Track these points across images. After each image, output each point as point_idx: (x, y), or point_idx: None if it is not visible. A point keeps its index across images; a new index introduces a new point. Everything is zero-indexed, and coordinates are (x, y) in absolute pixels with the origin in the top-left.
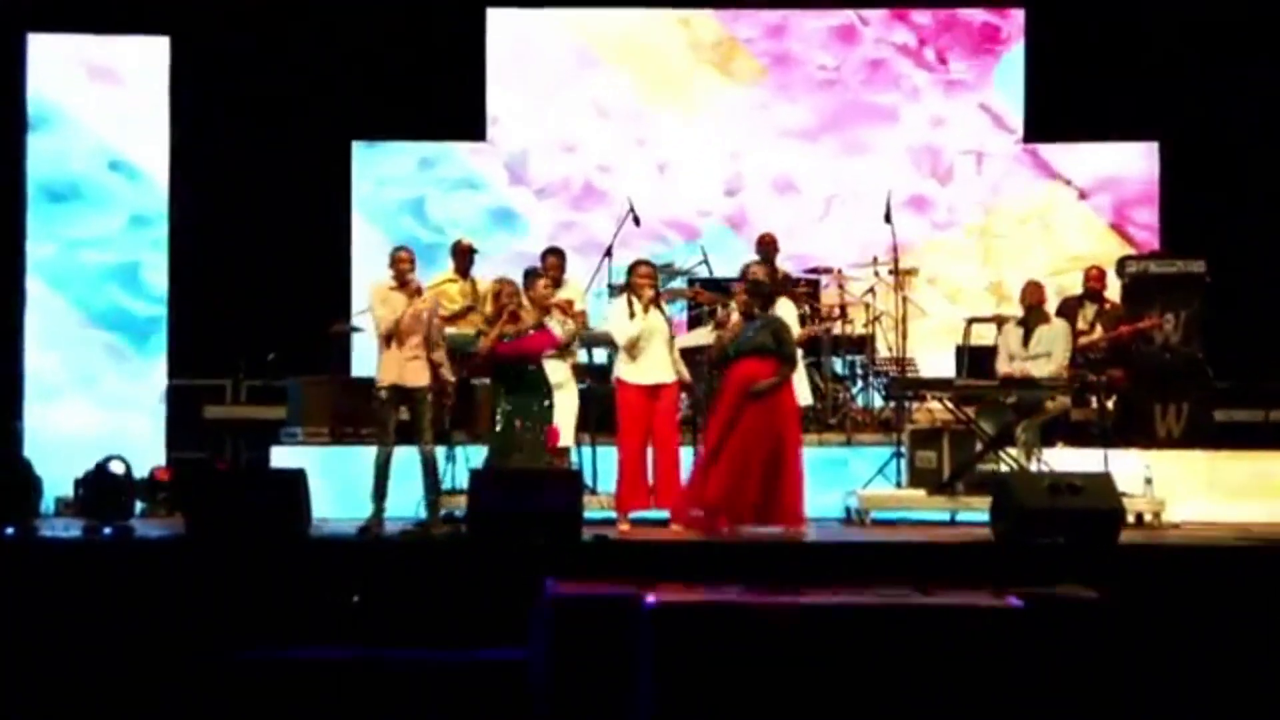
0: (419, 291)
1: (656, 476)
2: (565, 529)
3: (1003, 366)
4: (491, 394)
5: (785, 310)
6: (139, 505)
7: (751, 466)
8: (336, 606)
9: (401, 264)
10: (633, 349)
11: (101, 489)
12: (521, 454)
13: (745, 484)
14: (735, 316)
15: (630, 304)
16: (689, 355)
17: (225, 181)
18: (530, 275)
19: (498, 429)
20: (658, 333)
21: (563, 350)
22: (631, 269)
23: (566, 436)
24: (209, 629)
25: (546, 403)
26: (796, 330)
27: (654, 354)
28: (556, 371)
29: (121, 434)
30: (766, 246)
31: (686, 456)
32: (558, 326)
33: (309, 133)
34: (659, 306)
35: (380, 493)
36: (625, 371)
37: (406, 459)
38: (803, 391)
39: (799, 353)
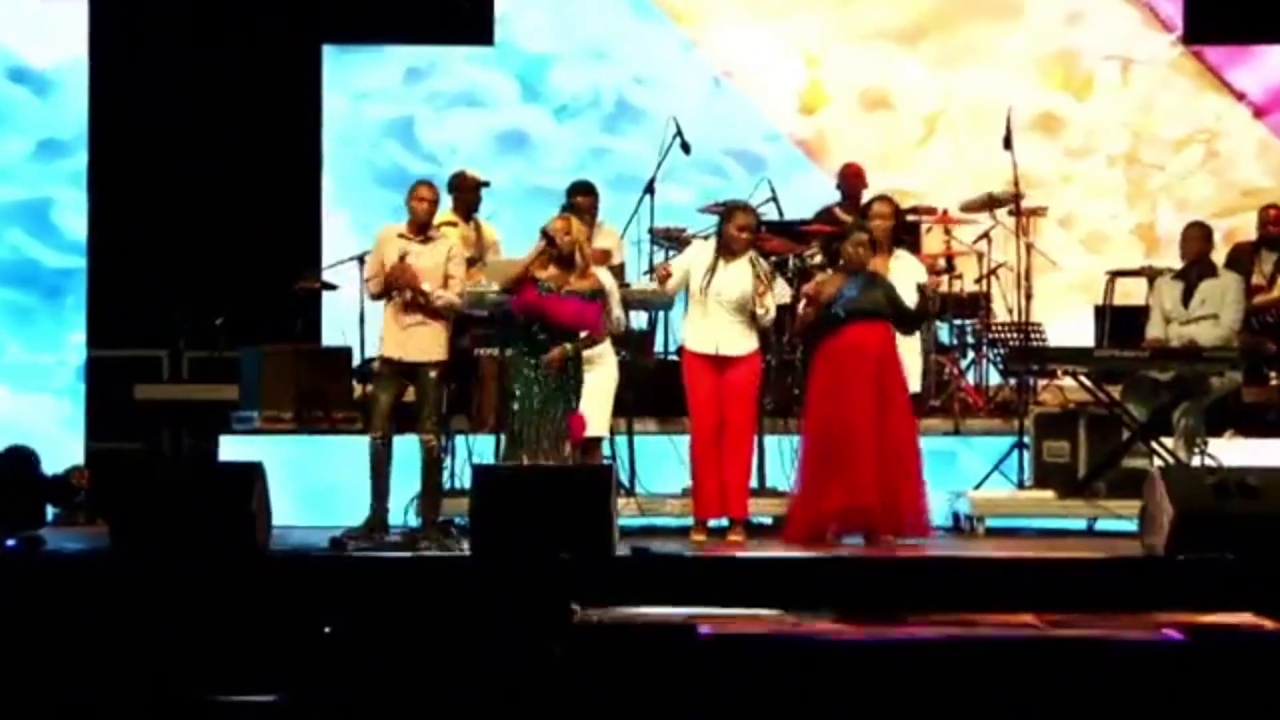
0: (430, 240)
1: (723, 473)
2: (594, 540)
3: (1156, 332)
4: (505, 360)
5: (907, 267)
6: (50, 510)
7: (871, 460)
8: (303, 639)
9: (420, 203)
10: (690, 301)
11: (2, 489)
12: (538, 445)
13: (867, 482)
14: (827, 272)
15: (716, 255)
16: None
17: (160, 98)
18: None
19: (516, 406)
20: (734, 292)
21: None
22: (728, 215)
23: (600, 424)
24: (139, 667)
25: (572, 380)
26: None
27: (721, 318)
28: None
29: (28, 419)
30: (851, 180)
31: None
32: (616, 308)
33: (267, 35)
34: (754, 264)
35: (376, 492)
36: (685, 334)
37: (397, 451)
38: (913, 374)
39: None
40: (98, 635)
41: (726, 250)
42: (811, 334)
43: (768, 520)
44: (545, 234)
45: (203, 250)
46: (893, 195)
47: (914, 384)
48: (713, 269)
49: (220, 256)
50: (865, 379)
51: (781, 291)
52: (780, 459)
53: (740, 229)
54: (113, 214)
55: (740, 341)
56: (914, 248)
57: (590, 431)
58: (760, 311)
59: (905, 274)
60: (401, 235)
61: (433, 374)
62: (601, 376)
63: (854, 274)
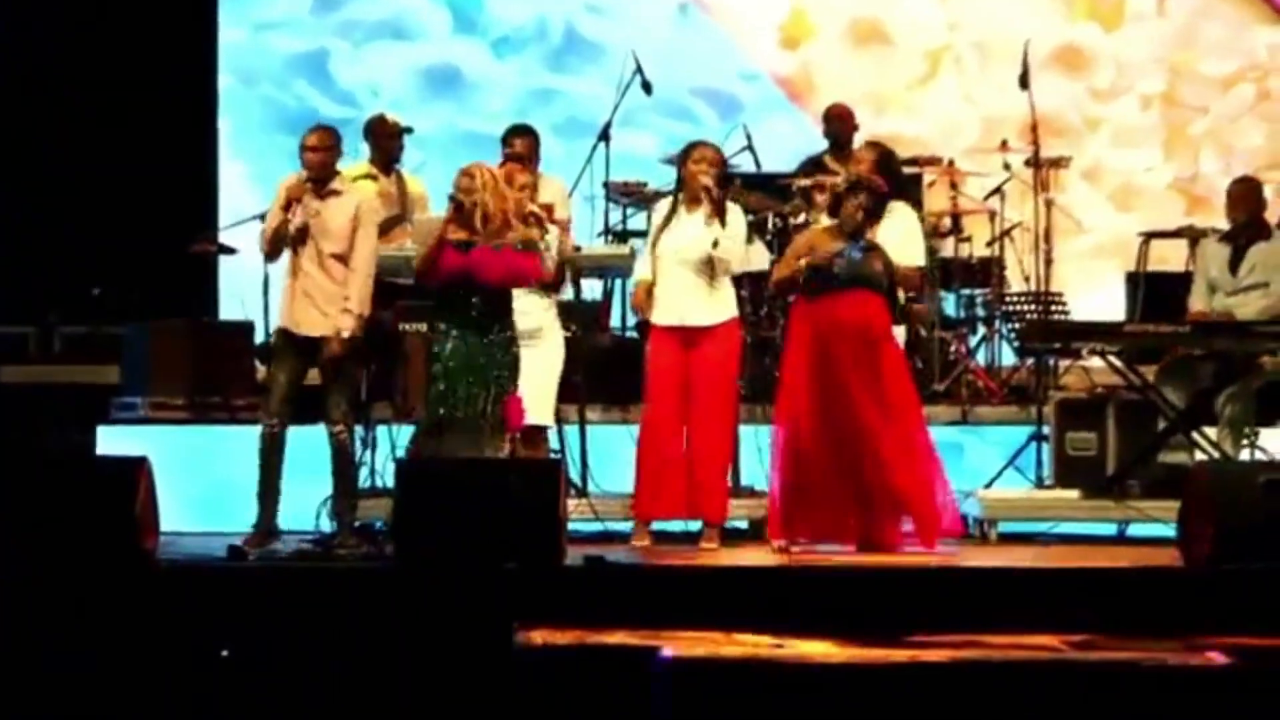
0: (293, 199)
1: (694, 468)
2: (539, 547)
3: (1198, 304)
4: (425, 338)
5: (903, 221)
6: None
7: (861, 458)
8: (196, 663)
9: (302, 152)
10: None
11: None
12: (463, 434)
13: (848, 485)
14: (822, 219)
15: (674, 209)
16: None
17: (26, 27)
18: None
19: (433, 388)
20: (697, 247)
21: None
22: (684, 155)
23: (543, 411)
24: (7, 700)
25: (507, 356)
26: (919, 253)
27: (684, 280)
28: (532, 314)
29: None
30: (837, 124)
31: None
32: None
33: None
34: (719, 210)
35: (268, 493)
36: (652, 309)
37: (307, 443)
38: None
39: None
40: None
41: (688, 196)
42: (789, 294)
43: (743, 524)
44: (451, 198)
45: (78, 209)
46: (888, 142)
47: None
48: (667, 222)
49: (99, 216)
50: (858, 360)
51: (759, 256)
52: (759, 454)
53: (698, 161)
54: None
55: (709, 308)
56: (915, 205)
57: (532, 419)
58: (715, 253)
59: (901, 232)
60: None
61: (337, 351)
62: (544, 355)
63: (853, 236)
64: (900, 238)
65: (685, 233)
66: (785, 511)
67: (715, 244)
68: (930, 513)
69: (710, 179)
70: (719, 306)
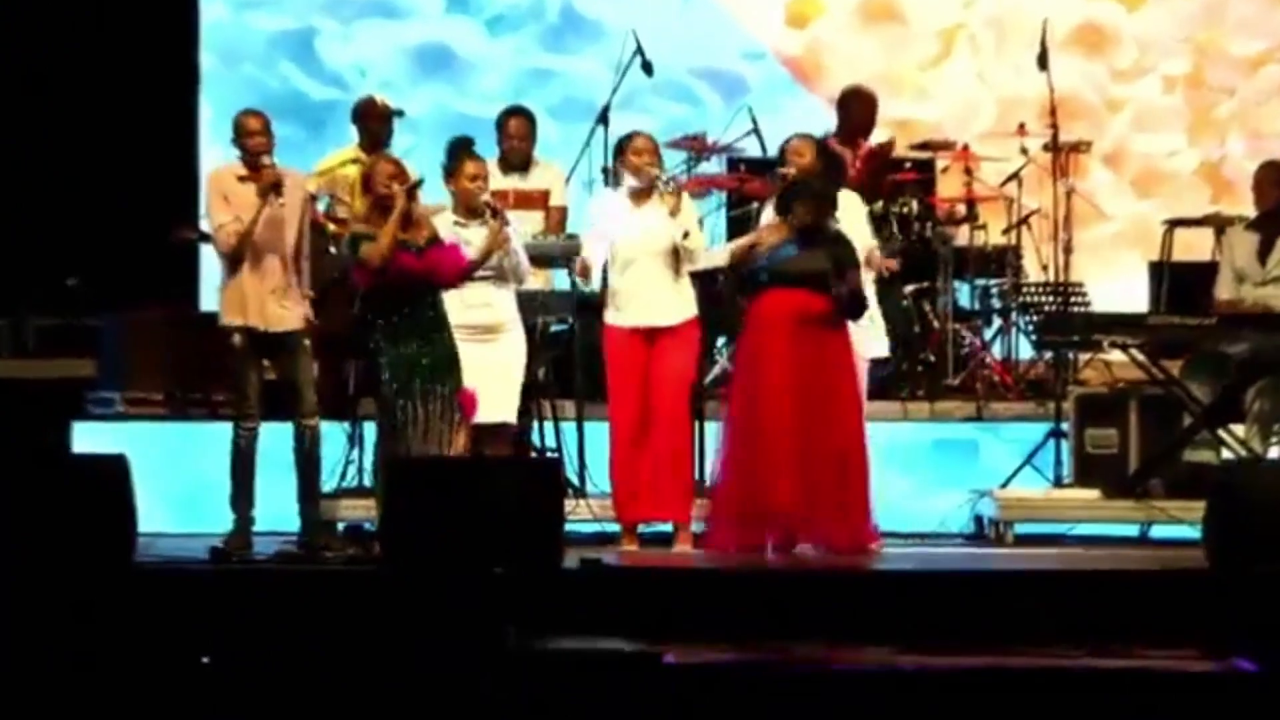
0: (276, 182)
1: (655, 469)
2: (537, 550)
3: (1225, 294)
4: (369, 341)
5: (848, 204)
6: None
7: (803, 455)
8: (178, 669)
9: (251, 137)
10: (599, 272)
11: None
12: (425, 433)
13: (790, 481)
14: (767, 214)
15: (612, 193)
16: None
17: (1, 10)
18: (459, 153)
19: (385, 392)
20: (654, 240)
21: (503, 270)
22: (622, 145)
23: (506, 407)
24: None
25: (447, 350)
26: (868, 233)
27: (645, 277)
28: (496, 307)
29: None
30: (860, 108)
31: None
32: (474, 238)
33: None
34: (657, 186)
35: (243, 493)
36: (608, 308)
37: (287, 440)
38: (877, 337)
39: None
40: None
41: (634, 190)
42: (736, 292)
43: None
44: (367, 182)
45: (52, 195)
46: (900, 125)
47: (879, 348)
48: (613, 219)
49: (74, 202)
50: (783, 356)
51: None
52: None
53: (639, 153)
54: None
55: (674, 306)
56: (927, 190)
57: (494, 415)
58: (685, 244)
59: (846, 223)
60: (243, 179)
61: (306, 342)
62: (507, 350)
63: (803, 235)
64: (851, 227)
65: (644, 226)
66: (723, 514)
67: (686, 235)
68: (860, 514)
69: (658, 168)
70: (682, 304)
